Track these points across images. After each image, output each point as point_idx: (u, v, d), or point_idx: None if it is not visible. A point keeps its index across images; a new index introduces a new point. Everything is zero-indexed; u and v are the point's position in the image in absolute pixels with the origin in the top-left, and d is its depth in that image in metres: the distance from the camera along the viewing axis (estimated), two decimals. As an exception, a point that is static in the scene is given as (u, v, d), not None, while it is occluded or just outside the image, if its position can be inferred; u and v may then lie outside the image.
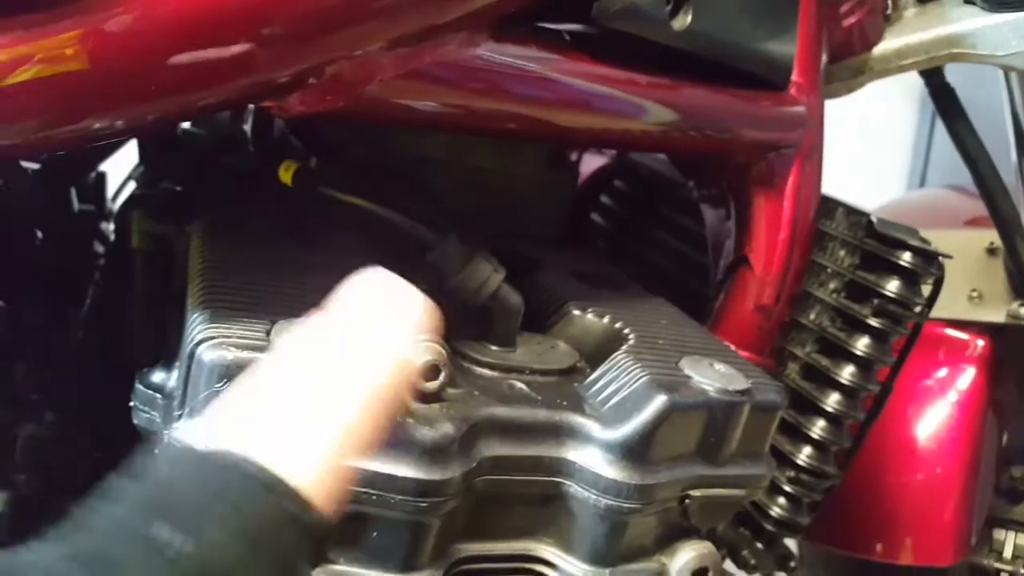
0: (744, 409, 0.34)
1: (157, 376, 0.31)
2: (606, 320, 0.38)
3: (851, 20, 0.52)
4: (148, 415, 0.32)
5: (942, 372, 0.65)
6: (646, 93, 0.36)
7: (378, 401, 0.21)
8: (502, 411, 0.31)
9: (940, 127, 0.60)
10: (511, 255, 0.42)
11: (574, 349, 0.37)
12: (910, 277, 0.44)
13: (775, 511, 0.47)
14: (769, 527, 0.47)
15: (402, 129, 0.40)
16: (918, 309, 0.45)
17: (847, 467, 0.48)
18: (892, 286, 0.44)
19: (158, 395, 0.31)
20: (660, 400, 0.31)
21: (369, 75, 0.27)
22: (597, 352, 0.37)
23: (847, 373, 0.45)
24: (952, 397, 0.65)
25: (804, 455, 0.46)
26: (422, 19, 0.26)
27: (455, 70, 0.29)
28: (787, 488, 0.46)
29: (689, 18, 0.35)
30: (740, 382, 0.34)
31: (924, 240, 0.45)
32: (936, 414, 0.64)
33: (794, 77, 0.44)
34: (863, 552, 0.63)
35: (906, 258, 0.44)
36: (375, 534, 0.29)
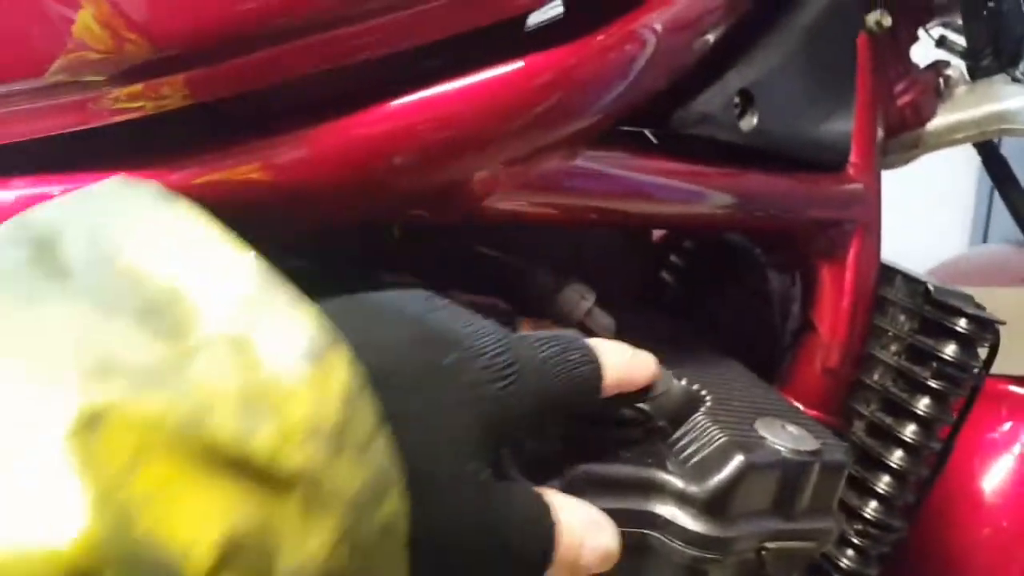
0: (814, 468, 0.37)
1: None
2: (684, 382, 0.42)
3: (905, 99, 0.56)
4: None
5: (1006, 427, 0.67)
6: (716, 183, 0.41)
7: None
8: (598, 467, 0.35)
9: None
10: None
11: (654, 410, 0.42)
12: (966, 342, 0.47)
13: (844, 563, 0.49)
14: (838, 578, 0.50)
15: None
16: (975, 371, 0.48)
17: (912, 520, 0.50)
18: (950, 350, 0.47)
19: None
20: (738, 460, 0.35)
21: (489, 190, 0.32)
22: (677, 412, 0.41)
23: (910, 431, 0.48)
24: (1016, 451, 0.66)
25: (871, 509, 0.49)
26: (533, 144, 0.32)
27: (557, 179, 0.34)
28: (855, 540, 0.49)
29: (756, 119, 0.40)
30: (810, 443, 0.37)
31: (979, 306, 0.48)
32: (1001, 469, 0.65)
33: (852, 157, 0.48)
34: (932, 606, 0.64)
35: (962, 324, 0.47)
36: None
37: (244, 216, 0.30)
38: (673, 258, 0.65)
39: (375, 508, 0.20)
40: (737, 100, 0.39)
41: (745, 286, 0.56)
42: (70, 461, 0.15)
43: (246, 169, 0.29)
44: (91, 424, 0.16)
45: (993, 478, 0.66)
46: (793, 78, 0.43)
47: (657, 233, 0.66)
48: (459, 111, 0.29)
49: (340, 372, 0.19)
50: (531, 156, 0.32)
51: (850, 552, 0.50)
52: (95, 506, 0.15)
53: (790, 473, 0.37)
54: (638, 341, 0.47)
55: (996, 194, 1.28)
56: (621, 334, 0.47)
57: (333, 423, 0.19)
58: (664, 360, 0.45)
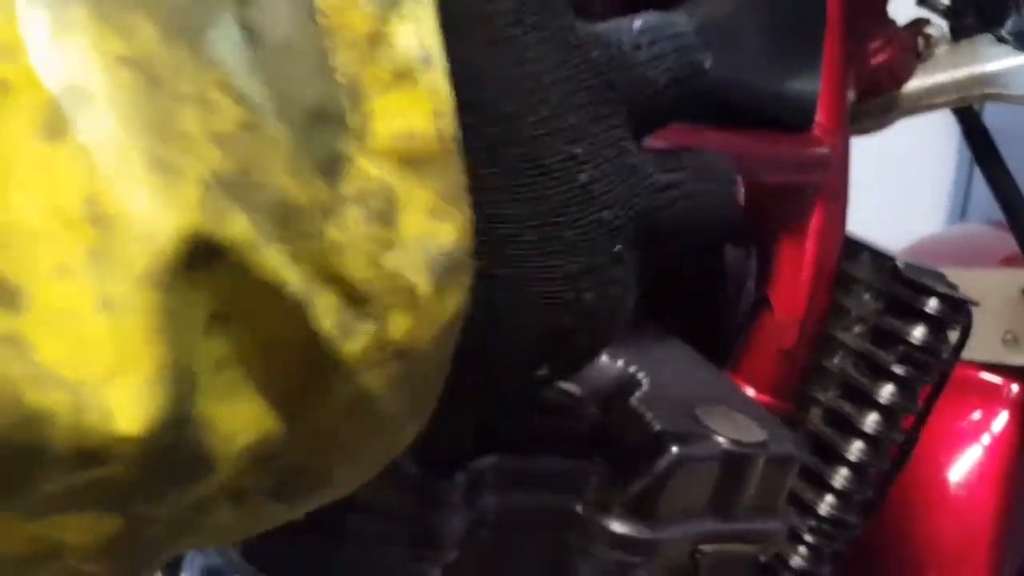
0: (759, 462, 0.33)
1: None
2: (620, 363, 0.38)
3: (880, 58, 0.51)
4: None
5: (975, 416, 0.63)
6: (667, 138, 0.36)
7: None
8: (510, 459, 0.31)
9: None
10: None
11: (587, 392, 0.37)
12: (937, 324, 0.43)
13: (795, 561, 0.46)
14: (788, 577, 0.46)
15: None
16: (944, 357, 0.44)
17: (870, 517, 0.46)
18: (918, 333, 0.43)
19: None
20: (672, 452, 0.31)
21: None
22: (610, 396, 0.36)
23: (871, 421, 0.44)
24: (985, 441, 0.63)
25: (826, 504, 0.45)
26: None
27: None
28: (807, 538, 0.45)
29: (708, 64, 0.35)
30: (756, 434, 0.33)
31: (951, 286, 0.44)
32: (968, 459, 0.62)
33: (818, 118, 0.43)
34: (892, 601, 0.61)
35: (932, 305, 0.43)
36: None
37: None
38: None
39: None
40: (686, 41, 0.34)
41: (696, 259, 0.51)
42: None
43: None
44: None
45: (959, 469, 0.62)
46: (753, 21, 0.39)
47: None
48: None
49: None
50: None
51: (802, 549, 0.46)
52: None
53: (731, 467, 0.32)
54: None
55: (975, 169, 1.25)
56: None
57: None
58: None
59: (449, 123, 0.16)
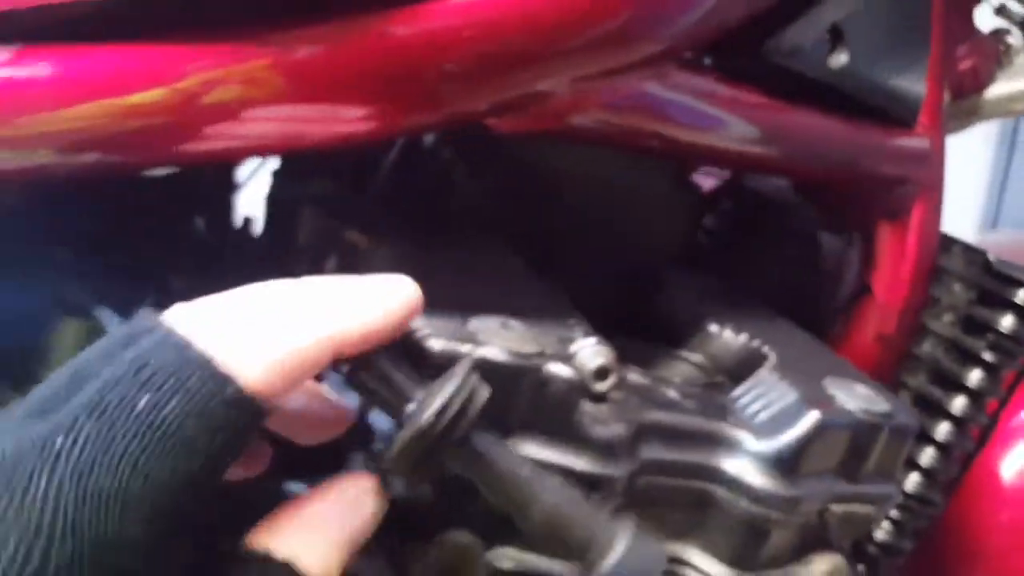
0: (884, 431, 0.35)
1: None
2: (743, 338, 0.40)
3: (966, 63, 0.54)
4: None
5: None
6: (801, 123, 0.38)
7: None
8: (664, 416, 0.33)
9: (1016, 165, 0.61)
10: (639, 271, 0.44)
11: (712, 366, 0.39)
12: (1025, 314, 0.45)
13: (880, 534, 0.48)
14: (873, 550, 0.48)
15: (542, 143, 0.42)
16: (1031, 346, 0.46)
17: (951, 495, 0.49)
18: (1007, 322, 0.45)
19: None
20: (813, 416, 0.33)
21: (574, 105, 0.29)
22: (736, 369, 0.39)
23: (959, 404, 0.46)
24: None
25: (912, 482, 0.47)
26: (617, 61, 0.29)
27: (645, 101, 0.31)
28: (893, 513, 0.48)
29: (844, 57, 0.37)
30: (882, 405, 0.35)
31: (1039, 279, 0.46)
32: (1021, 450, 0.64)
33: (920, 116, 0.46)
34: (946, 588, 0.63)
35: (1022, 296, 0.45)
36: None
37: (254, 126, 0.26)
38: (709, 219, 0.62)
39: None
40: (827, 36, 0.37)
41: (791, 248, 0.53)
42: None
43: (251, 68, 0.25)
44: None
45: (1017, 460, 0.65)
46: (877, 20, 0.41)
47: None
48: (509, 17, 0.26)
49: None
50: (612, 74, 0.29)
51: (886, 524, 0.48)
52: None
53: (860, 434, 0.35)
54: (690, 298, 0.44)
55: (1009, 176, 1.26)
56: (670, 291, 0.45)
57: None
58: (719, 315, 0.42)
59: None
